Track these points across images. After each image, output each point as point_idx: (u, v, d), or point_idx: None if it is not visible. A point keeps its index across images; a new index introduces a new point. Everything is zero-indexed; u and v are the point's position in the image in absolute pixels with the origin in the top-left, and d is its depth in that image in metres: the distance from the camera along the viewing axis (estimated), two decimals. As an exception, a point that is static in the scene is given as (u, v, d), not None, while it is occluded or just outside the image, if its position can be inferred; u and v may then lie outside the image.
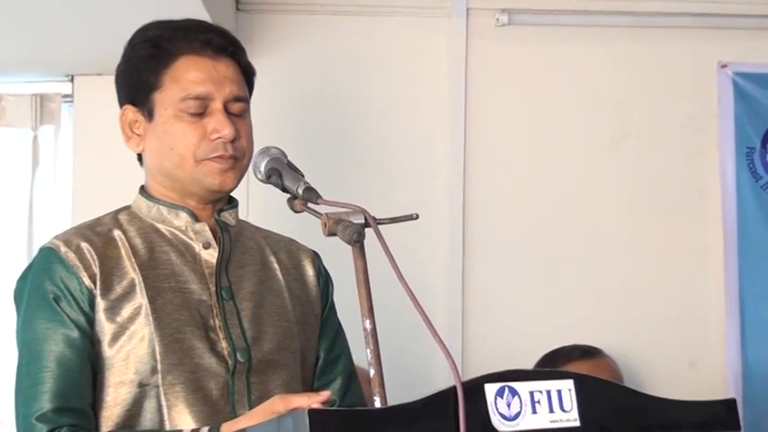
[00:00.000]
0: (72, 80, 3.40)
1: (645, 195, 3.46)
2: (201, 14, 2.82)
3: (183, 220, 2.10)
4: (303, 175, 1.94)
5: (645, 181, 3.47)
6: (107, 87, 3.39)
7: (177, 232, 2.10)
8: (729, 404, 1.72)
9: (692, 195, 3.47)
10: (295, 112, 3.40)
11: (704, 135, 3.48)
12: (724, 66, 3.47)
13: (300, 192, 1.89)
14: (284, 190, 1.94)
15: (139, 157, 2.17)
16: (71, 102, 3.42)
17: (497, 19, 3.43)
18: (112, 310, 2.01)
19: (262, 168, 1.98)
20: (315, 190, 1.89)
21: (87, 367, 1.99)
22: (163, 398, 1.98)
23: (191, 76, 2.07)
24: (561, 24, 3.46)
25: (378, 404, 1.70)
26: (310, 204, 1.88)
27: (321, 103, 3.40)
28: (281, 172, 1.95)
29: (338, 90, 3.42)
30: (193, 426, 1.96)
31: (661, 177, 3.47)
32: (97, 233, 2.07)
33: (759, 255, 3.43)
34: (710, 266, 3.44)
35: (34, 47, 3.17)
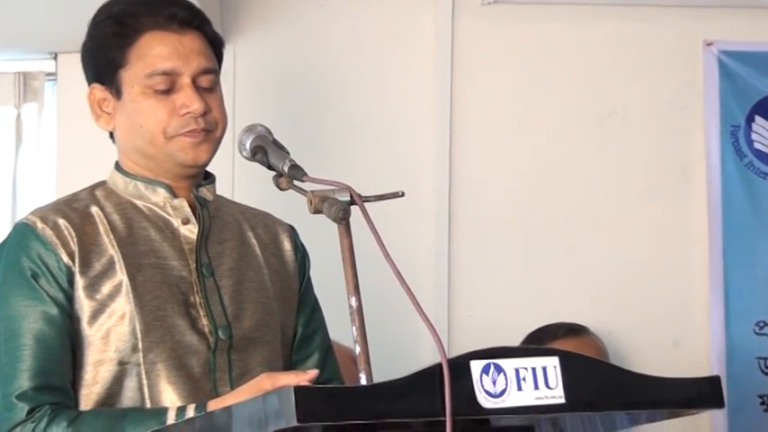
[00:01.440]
0: (55, 58, 3.39)
1: (630, 173, 3.47)
2: (186, -8, 2.80)
3: (160, 195, 2.09)
4: (289, 153, 1.94)
5: (630, 159, 3.47)
6: (91, 65, 3.35)
7: (155, 208, 2.08)
8: (713, 381, 1.72)
9: (677, 173, 3.48)
10: (280, 91, 3.39)
11: (689, 113, 3.48)
12: (710, 44, 3.47)
13: (286, 169, 1.89)
14: (270, 168, 1.94)
15: (111, 134, 2.15)
16: (54, 80, 3.40)
17: (483, -4, 3.43)
18: (92, 288, 1.99)
19: (247, 146, 1.97)
20: (300, 168, 1.88)
21: (67, 345, 1.97)
22: (144, 376, 1.97)
23: (156, 51, 2.05)
24: (547, 3, 3.46)
25: (364, 381, 1.70)
26: (296, 182, 1.88)
27: (306, 81, 3.39)
28: (266, 149, 1.94)
29: (323, 68, 3.40)
30: (178, 404, 1.95)
31: (646, 155, 3.47)
32: (74, 209, 2.05)
33: (743, 233, 3.44)
34: (695, 244, 3.45)
35: (17, 24, 3.15)
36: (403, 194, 1.90)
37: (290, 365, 2.15)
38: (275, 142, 1.97)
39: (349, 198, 1.79)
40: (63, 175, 3.32)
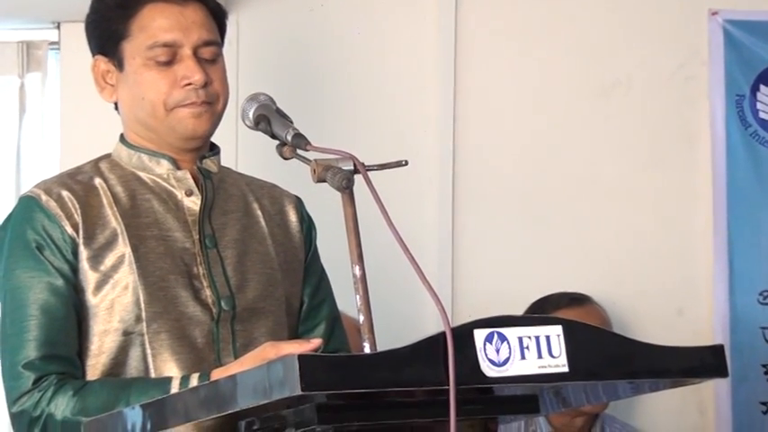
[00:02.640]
0: (58, 27, 3.37)
1: (635, 143, 3.46)
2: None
3: (164, 167, 2.09)
4: (292, 122, 1.93)
5: (635, 129, 3.46)
6: (94, 34, 3.33)
7: (159, 180, 2.09)
8: (717, 350, 1.72)
9: (682, 143, 3.47)
10: (283, 60, 3.38)
11: (694, 83, 3.47)
12: (714, 13, 3.46)
13: (289, 138, 1.88)
14: (273, 137, 1.93)
15: (116, 106, 2.15)
16: (58, 49, 3.39)
17: (487, -35, 3.41)
18: (95, 259, 2.00)
19: (250, 115, 1.97)
20: (304, 136, 1.88)
21: (72, 315, 1.99)
22: (148, 346, 1.98)
23: (157, 23, 2.05)
24: (552, -29, 3.44)
25: (367, 350, 1.70)
26: (299, 151, 1.88)
27: (310, 50, 3.38)
28: (269, 119, 1.94)
29: (327, 36, 3.39)
30: (180, 374, 1.96)
31: (651, 125, 3.46)
32: (78, 181, 2.06)
33: (748, 203, 3.44)
34: (700, 214, 3.45)
35: (20, -7, 3.15)
36: (407, 163, 1.89)
37: (296, 336, 2.15)
38: (278, 111, 1.96)
39: (352, 167, 1.78)
40: (67, 144, 3.32)
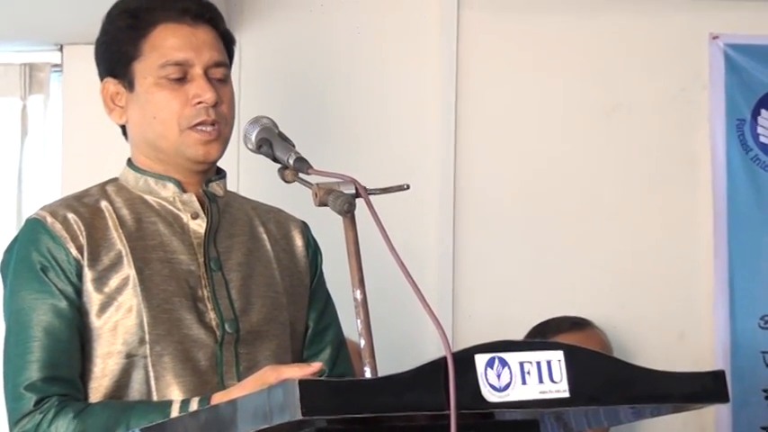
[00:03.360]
0: (61, 49, 3.38)
1: (636, 167, 3.46)
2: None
3: (170, 190, 2.10)
4: (294, 146, 1.94)
5: (636, 152, 3.46)
6: (96, 57, 3.34)
7: (165, 203, 2.10)
8: (718, 375, 1.72)
9: (683, 167, 3.47)
10: (285, 83, 3.38)
11: (695, 107, 3.47)
12: (715, 37, 3.47)
13: (291, 162, 1.89)
14: (275, 160, 1.94)
15: (123, 130, 2.16)
16: (60, 71, 3.39)
17: (489, -12, 3.42)
18: (100, 281, 2.00)
19: (252, 138, 1.97)
20: (306, 160, 1.88)
21: (76, 337, 1.99)
22: (150, 369, 1.98)
23: (169, 42, 2.07)
24: (553, -5, 3.45)
25: (368, 374, 1.70)
26: (301, 174, 1.88)
27: (311, 74, 3.39)
28: (271, 142, 1.94)
29: (328, 60, 3.40)
30: (182, 397, 1.96)
31: (652, 149, 3.47)
32: (84, 204, 2.07)
33: (749, 227, 3.44)
34: (700, 239, 3.45)
35: (23, 16, 3.15)
36: (408, 187, 1.89)
37: (300, 360, 2.15)
38: (280, 135, 1.97)
39: (354, 191, 1.79)
40: (68, 166, 3.32)
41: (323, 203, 1.78)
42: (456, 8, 3.40)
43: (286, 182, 1.91)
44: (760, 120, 3.48)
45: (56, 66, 3.41)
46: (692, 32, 3.47)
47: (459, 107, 3.40)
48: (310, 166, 1.87)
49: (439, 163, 3.39)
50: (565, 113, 3.45)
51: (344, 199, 1.75)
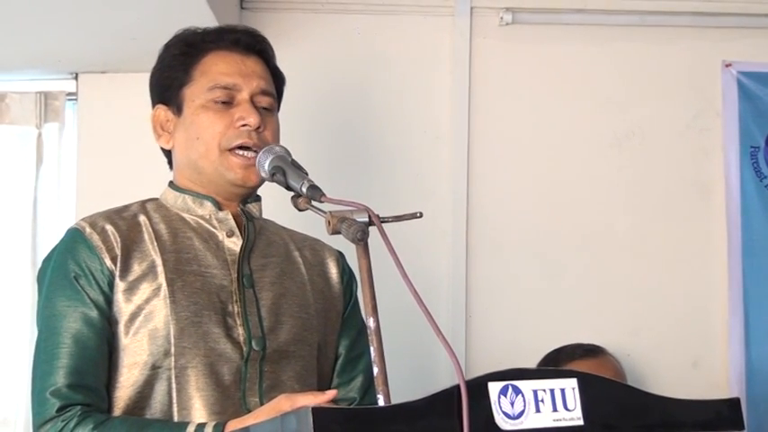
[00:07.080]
0: (76, 78, 3.40)
1: (649, 194, 3.46)
2: (206, 13, 2.82)
3: (207, 209, 2.14)
4: (307, 174, 1.95)
5: (649, 180, 3.46)
6: (111, 85, 3.39)
7: (201, 221, 2.14)
8: (733, 403, 1.72)
9: (697, 194, 3.47)
10: (299, 111, 3.39)
11: (708, 134, 3.48)
12: (728, 65, 3.47)
13: (304, 190, 1.90)
14: (288, 188, 1.95)
15: (168, 157, 2.22)
16: (75, 99, 3.41)
17: (501, 18, 3.43)
18: (131, 291, 2.04)
19: (266, 166, 1.99)
20: (319, 188, 1.89)
21: (104, 347, 2.01)
22: (173, 381, 2.00)
23: (219, 68, 2.14)
24: (565, 23, 3.46)
25: (381, 402, 1.70)
26: (314, 202, 1.89)
27: (325, 102, 3.40)
28: (285, 170, 1.95)
29: (342, 88, 3.41)
30: (204, 411, 1.98)
31: (665, 176, 3.47)
32: (123, 217, 2.12)
33: (763, 253, 3.43)
34: (714, 265, 3.44)
35: (39, 44, 3.17)
36: (421, 215, 1.90)
37: (328, 385, 2.17)
38: (294, 163, 1.98)
39: (367, 219, 1.79)
40: (83, 194, 3.33)
41: (336, 231, 1.78)
42: (468, 37, 3.42)
43: (299, 210, 1.92)
44: (773, 147, 3.48)
45: (71, 94, 3.42)
46: (705, 60, 3.47)
47: (472, 134, 3.41)
48: (323, 194, 1.88)
49: (451, 191, 3.39)
50: (578, 141, 3.46)
51: (357, 227, 1.76)
